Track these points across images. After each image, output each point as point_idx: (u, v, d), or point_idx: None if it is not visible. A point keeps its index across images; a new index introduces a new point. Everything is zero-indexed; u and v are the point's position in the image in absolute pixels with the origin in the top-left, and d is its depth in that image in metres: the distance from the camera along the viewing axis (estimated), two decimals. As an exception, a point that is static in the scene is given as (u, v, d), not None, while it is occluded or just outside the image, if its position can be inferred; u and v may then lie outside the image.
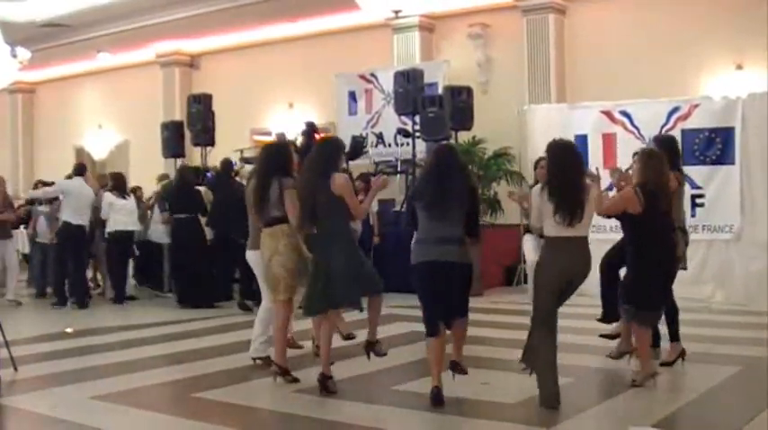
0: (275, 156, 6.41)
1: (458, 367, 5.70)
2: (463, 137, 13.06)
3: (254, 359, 6.87)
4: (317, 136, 11.18)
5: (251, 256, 6.74)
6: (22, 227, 13.29)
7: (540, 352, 5.37)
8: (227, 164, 11.81)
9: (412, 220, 5.64)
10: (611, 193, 6.11)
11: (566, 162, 5.45)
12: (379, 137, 14.38)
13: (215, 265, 11.07)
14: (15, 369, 6.72)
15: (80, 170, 11.71)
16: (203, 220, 11.18)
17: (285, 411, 5.70)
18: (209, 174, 13.00)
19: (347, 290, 5.76)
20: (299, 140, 11.29)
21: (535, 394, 5.71)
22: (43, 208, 12.31)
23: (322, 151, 6.10)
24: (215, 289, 11.11)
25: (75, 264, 11.24)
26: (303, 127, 13.10)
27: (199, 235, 11.10)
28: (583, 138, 11.28)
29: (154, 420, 5.54)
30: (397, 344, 7.66)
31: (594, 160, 11.11)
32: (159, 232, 12.01)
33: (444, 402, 5.37)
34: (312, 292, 5.90)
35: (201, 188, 11.71)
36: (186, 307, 10.82)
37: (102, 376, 6.71)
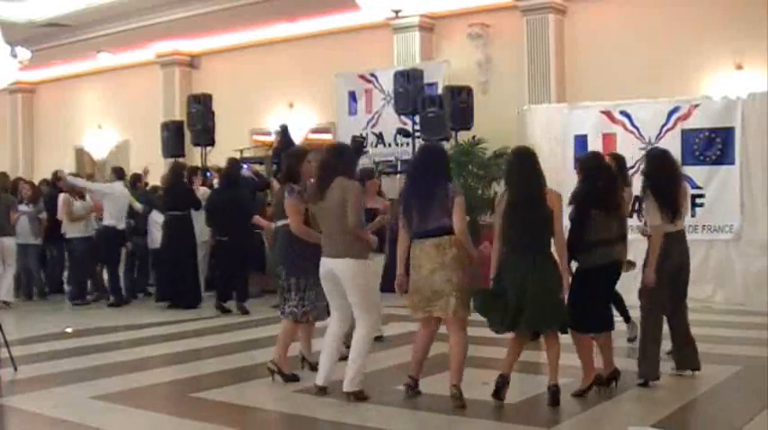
0: (436, 159, 5.77)
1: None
2: (463, 137, 13.05)
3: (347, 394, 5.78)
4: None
5: (340, 265, 5.74)
6: None
7: (647, 330, 5.98)
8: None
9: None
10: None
11: (664, 167, 6.06)
12: (379, 137, 14.36)
13: (218, 266, 10.99)
14: (15, 369, 6.73)
15: (119, 174, 11.80)
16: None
17: (285, 411, 5.71)
18: (209, 174, 12.98)
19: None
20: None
21: (535, 394, 5.72)
22: (24, 207, 11.89)
23: (524, 160, 5.65)
24: (198, 289, 11.04)
25: (110, 265, 11.46)
26: (302, 127, 13.13)
27: (190, 233, 10.90)
28: (583, 138, 11.26)
29: (154, 420, 5.55)
30: (397, 344, 7.69)
31: (594, 160, 11.13)
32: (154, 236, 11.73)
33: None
34: (506, 308, 5.41)
35: (203, 188, 11.59)
36: (165, 306, 10.76)
37: (102, 376, 6.71)
